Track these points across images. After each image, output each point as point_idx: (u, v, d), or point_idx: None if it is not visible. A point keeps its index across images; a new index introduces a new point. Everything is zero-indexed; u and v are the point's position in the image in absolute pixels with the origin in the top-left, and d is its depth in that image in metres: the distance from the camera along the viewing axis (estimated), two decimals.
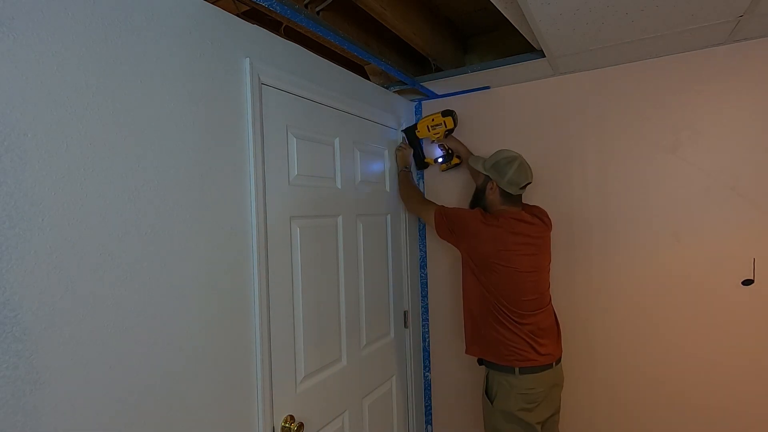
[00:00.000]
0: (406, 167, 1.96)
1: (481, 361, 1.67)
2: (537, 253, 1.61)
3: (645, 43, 1.54)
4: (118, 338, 0.90)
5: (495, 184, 1.62)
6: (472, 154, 1.96)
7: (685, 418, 1.68)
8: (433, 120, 1.89)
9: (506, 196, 1.61)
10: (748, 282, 1.57)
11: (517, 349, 1.53)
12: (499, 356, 1.56)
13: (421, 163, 2.05)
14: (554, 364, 1.58)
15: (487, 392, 1.60)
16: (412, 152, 2.02)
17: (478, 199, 1.73)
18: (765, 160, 1.54)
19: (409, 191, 1.90)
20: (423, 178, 2.19)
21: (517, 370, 1.53)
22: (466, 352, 1.71)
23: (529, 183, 1.63)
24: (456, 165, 2.00)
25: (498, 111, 2.00)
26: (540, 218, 1.67)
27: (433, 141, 1.98)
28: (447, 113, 1.86)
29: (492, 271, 1.55)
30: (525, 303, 1.56)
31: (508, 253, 1.54)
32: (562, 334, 1.69)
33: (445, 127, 1.87)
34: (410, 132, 1.97)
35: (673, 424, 1.70)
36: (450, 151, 1.99)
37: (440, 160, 2.01)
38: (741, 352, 1.59)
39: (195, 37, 1.08)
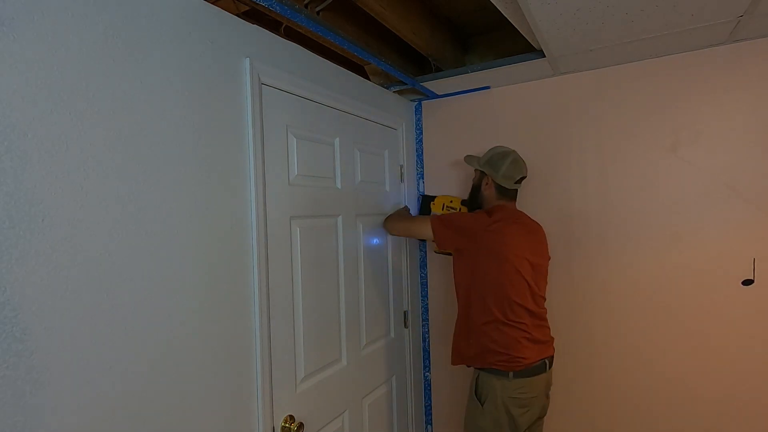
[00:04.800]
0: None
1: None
2: (538, 251, 1.61)
3: (645, 43, 1.54)
4: (117, 338, 0.90)
5: (490, 179, 1.64)
6: None
7: (685, 417, 1.68)
8: (451, 201, 1.89)
9: (501, 190, 1.63)
10: (748, 282, 1.57)
11: (511, 351, 1.48)
12: (492, 360, 1.51)
13: None
14: (548, 368, 1.56)
15: (477, 393, 1.55)
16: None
17: (474, 196, 1.75)
18: (765, 160, 1.54)
19: (396, 217, 1.80)
20: (423, 177, 2.19)
21: (510, 374, 1.48)
22: (453, 362, 1.65)
23: (524, 177, 1.66)
24: (448, 254, 1.91)
25: (498, 111, 2.00)
26: (538, 224, 1.68)
27: None
28: (466, 202, 1.87)
29: (500, 262, 1.50)
30: (525, 300, 1.52)
31: (510, 245, 1.51)
32: (561, 333, 1.67)
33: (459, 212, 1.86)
34: (426, 200, 1.96)
35: (672, 424, 1.70)
36: None
37: None
38: (741, 351, 1.59)
39: (195, 37, 1.08)
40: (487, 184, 1.66)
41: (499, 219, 1.55)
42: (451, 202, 1.87)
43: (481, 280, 1.55)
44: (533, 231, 1.63)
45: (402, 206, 1.99)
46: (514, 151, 1.66)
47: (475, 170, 1.74)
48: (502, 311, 1.51)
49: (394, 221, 1.80)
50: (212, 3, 1.15)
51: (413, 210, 2.08)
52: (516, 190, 1.67)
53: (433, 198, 1.91)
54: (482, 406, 1.52)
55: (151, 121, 0.97)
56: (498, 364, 1.50)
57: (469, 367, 1.63)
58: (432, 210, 1.92)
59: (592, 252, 1.82)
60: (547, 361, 1.56)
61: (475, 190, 1.73)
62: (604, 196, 1.79)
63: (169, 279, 1.00)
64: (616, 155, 1.77)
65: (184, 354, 1.03)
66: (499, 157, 1.64)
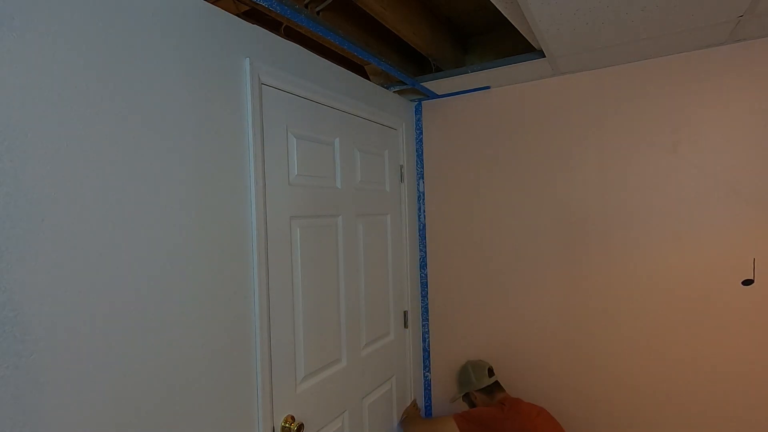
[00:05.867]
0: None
1: None
2: (553, 424, 1.64)
3: (645, 43, 1.54)
4: (117, 338, 0.90)
5: (473, 392, 1.82)
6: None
7: (685, 418, 1.68)
8: None
9: (487, 390, 1.80)
10: (748, 282, 1.57)
11: None
12: None
13: None
14: None
15: None
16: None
17: None
18: (765, 160, 1.54)
19: (413, 427, 1.85)
20: (423, 177, 2.19)
21: None
22: None
23: (490, 367, 1.84)
24: None
25: (498, 111, 2.00)
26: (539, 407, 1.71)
27: None
28: None
29: None
30: None
31: (534, 422, 1.58)
32: (562, 333, 1.68)
33: None
34: None
35: (672, 424, 1.70)
36: None
37: None
38: (741, 352, 1.59)
39: (195, 37, 1.08)
40: (475, 398, 1.82)
41: (510, 405, 1.66)
42: None
43: None
44: (541, 409, 1.67)
45: (410, 402, 2.04)
46: (466, 361, 1.94)
47: (463, 400, 1.90)
48: None
49: (413, 429, 1.84)
50: (212, 3, 1.15)
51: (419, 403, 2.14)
52: (497, 381, 1.82)
53: None
54: None
55: (150, 120, 0.97)
56: None
57: None
58: None
59: (592, 251, 1.82)
60: None
61: (473, 408, 1.83)
62: (604, 195, 1.79)
63: (168, 279, 1.00)
64: (616, 155, 1.77)
65: (183, 353, 1.03)
66: (462, 374, 1.88)
